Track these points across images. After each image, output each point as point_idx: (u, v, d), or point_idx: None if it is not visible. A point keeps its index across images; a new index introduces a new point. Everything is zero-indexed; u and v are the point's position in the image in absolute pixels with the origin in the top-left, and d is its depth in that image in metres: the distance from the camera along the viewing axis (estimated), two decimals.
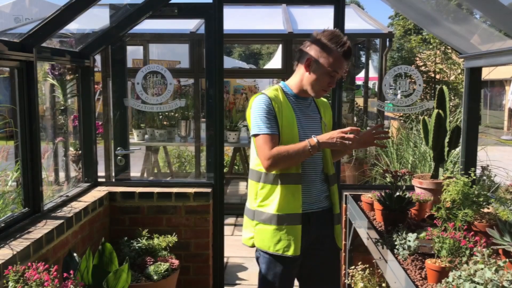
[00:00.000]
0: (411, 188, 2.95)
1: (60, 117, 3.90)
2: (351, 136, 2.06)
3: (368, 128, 2.26)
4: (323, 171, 2.32)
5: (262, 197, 2.22)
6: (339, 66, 2.15)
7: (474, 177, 2.76)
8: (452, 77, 11.21)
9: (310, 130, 2.25)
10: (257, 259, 2.32)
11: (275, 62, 13.94)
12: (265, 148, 2.12)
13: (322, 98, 2.43)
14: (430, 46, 12.09)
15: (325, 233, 2.32)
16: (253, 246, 2.30)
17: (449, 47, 10.51)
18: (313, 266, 2.35)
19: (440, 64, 11.20)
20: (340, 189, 3.34)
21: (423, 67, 11.26)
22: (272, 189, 2.19)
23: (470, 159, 3.30)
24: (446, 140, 2.90)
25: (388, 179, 2.70)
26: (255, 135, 2.17)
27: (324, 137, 2.10)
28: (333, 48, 2.14)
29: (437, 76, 11.19)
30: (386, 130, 2.18)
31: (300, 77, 2.24)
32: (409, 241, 2.13)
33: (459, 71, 11.04)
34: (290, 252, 2.17)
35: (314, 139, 2.10)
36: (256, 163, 2.24)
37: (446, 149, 2.91)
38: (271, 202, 2.18)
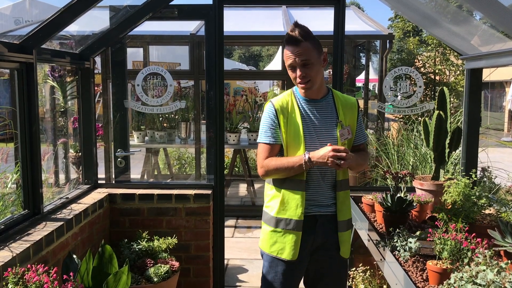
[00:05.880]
0: (412, 189, 2.94)
1: (60, 119, 3.90)
2: (343, 154, 2.00)
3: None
4: (334, 177, 2.23)
5: (268, 198, 2.27)
6: (289, 57, 2.12)
7: (475, 179, 2.76)
8: (452, 79, 11.22)
9: (320, 133, 2.18)
10: (262, 256, 2.34)
11: (275, 63, 13.96)
12: (260, 157, 2.22)
13: (347, 97, 2.32)
14: (429, 48, 12.11)
15: (330, 240, 2.25)
16: None
17: (447, 49, 10.51)
18: (318, 273, 2.31)
19: (439, 66, 11.21)
20: None
21: (422, 69, 11.28)
22: (277, 192, 2.22)
23: (471, 161, 3.30)
24: (447, 141, 2.89)
25: (388, 181, 2.70)
26: (258, 142, 2.26)
27: (316, 155, 2.06)
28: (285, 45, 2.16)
29: (437, 78, 11.20)
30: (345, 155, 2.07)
31: None
32: (410, 242, 2.13)
33: (458, 72, 11.05)
34: (284, 256, 2.19)
35: (306, 156, 2.08)
36: None
37: (447, 150, 2.90)
38: (274, 205, 2.22)
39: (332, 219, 2.23)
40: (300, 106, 2.21)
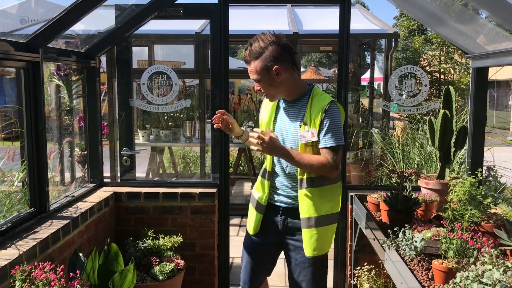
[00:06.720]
0: (417, 188, 2.93)
1: (65, 117, 3.92)
2: (255, 135, 2.23)
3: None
4: (295, 173, 2.35)
5: None
6: None
7: (481, 178, 2.75)
8: (457, 77, 11.19)
9: (285, 131, 2.35)
10: None
11: None
12: None
13: (321, 100, 2.28)
14: (433, 46, 12.06)
15: (296, 232, 2.38)
16: None
17: (451, 47, 10.46)
18: (288, 256, 2.44)
19: (444, 64, 11.17)
20: (345, 190, 3.33)
21: (427, 67, 11.24)
22: (259, 176, 2.55)
23: (476, 160, 3.28)
24: (452, 140, 2.88)
25: (394, 180, 2.69)
26: None
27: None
28: None
29: (442, 76, 11.16)
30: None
31: None
32: (416, 241, 2.12)
33: (462, 71, 11.01)
34: (248, 227, 2.54)
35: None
36: None
37: (453, 149, 2.89)
38: (255, 184, 2.57)
39: (297, 213, 2.35)
40: (280, 104, 2.41)
